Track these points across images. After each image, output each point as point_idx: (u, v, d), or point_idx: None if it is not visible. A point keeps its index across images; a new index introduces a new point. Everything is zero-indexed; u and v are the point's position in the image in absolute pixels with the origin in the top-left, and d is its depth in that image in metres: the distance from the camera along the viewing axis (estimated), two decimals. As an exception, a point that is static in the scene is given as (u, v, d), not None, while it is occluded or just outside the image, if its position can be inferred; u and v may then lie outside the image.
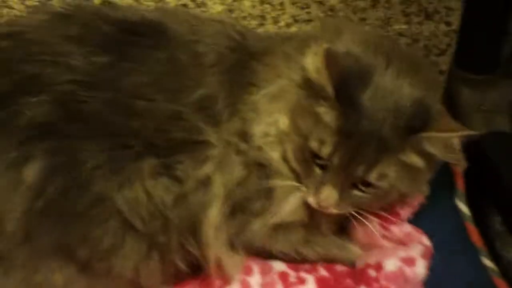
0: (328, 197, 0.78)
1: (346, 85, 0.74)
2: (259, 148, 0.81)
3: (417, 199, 0.90)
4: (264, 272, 0.88)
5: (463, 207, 0.94)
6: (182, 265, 0.83)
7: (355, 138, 0.74)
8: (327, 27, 0.87)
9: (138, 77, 0.78)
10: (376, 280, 0.85)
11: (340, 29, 0.83)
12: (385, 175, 0.76)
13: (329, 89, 0.74)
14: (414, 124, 0.74)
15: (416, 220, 0.90)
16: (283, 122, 0.80)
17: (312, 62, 0.76)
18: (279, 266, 0.89)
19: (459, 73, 1.11)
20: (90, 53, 0.78)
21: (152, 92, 0.78)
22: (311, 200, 0.80)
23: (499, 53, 1.11)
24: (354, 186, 0.78)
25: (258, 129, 0.81)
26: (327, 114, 0.76)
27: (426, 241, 0.88)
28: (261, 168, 0.81)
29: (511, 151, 1.04)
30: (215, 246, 0.82)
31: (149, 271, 0.80)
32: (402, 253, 0.86)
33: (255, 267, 0.88)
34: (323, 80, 0.74)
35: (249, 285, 0.87)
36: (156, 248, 0.80)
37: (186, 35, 0.83)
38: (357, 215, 0.82)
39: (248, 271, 0.88)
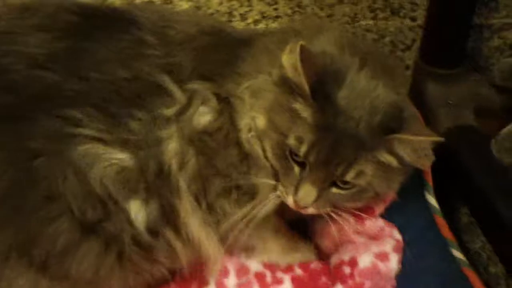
0: (306, 196, 0.77)
1: (322, 83, 0.75)
2: (247, 141, 0.81)
3: (390, 195, 0.91)
4: (241, 273, 0.89)
5: (432, 201, 0.96)
6: (143, 264, 0.81)
7: (332, 136, 0.75)
8: (308, 25, 0.87)
9: (99, 55, 0.78)
10: (351, 277, 0.86)
11: (321, 28, 0.84)
12: (363, 172, 0.77)
13: (305, 87, 0.74)
14: (389, 125, 0.76)
15: (388, 215, 0.91)
16: (260, 120, 0.80)
17: (288, 59, 0.75)
18: (255, 266, 0.90)
19: (425, 68, 1.12)
20: (52, 39, 0.77)
21: (112, 66, 0.78)
22: (290, 200, 0.79)
23: (464, 47, 1.13)
24: (333, 184, 0.78)
25: (243, 123, 0.81)
26: (304, 111, 0.76)
27: (397, 235, 0.90)
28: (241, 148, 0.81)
29: (477, 144, 1.06)
30: (185, 199, 0.80)
31: (108, 271, 0.78)
32: (375, 248, 0.87)
33: (231, 268, 0.89)
34: (299, 77, 0.74)
35: (224, 286, 0.88)
36: (111, 245, 0.78)
37: (155, 22, 0.83)
38: (333, 215, 0.82)
39: (224, 273, 0.88)
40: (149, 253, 0.81)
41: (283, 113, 0.78)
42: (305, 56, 0.73)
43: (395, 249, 0.88)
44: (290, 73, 0.75)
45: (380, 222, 0.90)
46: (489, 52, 1.18)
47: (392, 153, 0.77)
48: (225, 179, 0.81)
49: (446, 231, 0.92)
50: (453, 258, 0.89)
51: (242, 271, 0.89)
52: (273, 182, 0.81)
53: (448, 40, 1.12)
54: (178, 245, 0.81)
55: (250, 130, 0.81)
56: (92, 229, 0.76)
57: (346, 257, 0.88)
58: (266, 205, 0.82)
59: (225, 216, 0.82)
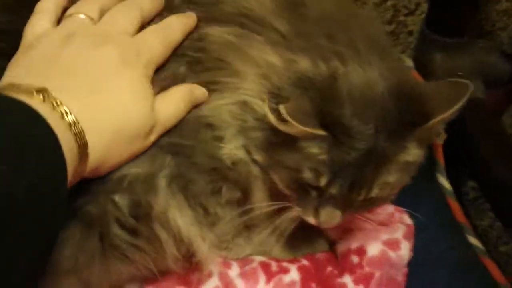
0: (330, 219, 0.72)
1: (323, 113, 0.66)
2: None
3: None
4: (244, 264, 0.84)
5: (444, 182, 0.91)
6: (127, 251, 0.73)
7: (353, 163, 0.67)
8: None
9: None
10: (360, 266, 0.81)
11: None
12: (387, 183, 0.71)
13: (311, 131, 0.66)
14: (408, 119, 0.68)
15: (397, 199, 0.85)
16: (258, 157, 0.73)
17: (271, 116, 0.67)
18: (259, 258, 0.84)
19: (431, 36, 1.05)
20: None
21: None
22: (311, 220, 0.73)
23: (473, 14, 1.06)
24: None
25: (223, 153, 0.73)
26: (314, 147, 0.68)
27: (408, 220, 0.85)
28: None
29: (483, 116, 1.02)
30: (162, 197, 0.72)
31: (88, 257, 0.71)
32: (385, 235, 0.83)
33: (233, 260, 0.83)
34: (300, 129, 0.65)
35: (228, 276, 0.82)
36: (93, 227, 0.70)
37: None
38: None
39: (226, 264, 0.83)
40: (133, 238, 0.73)
41: (286, 151, 0.70)
42: (293, 111, 0.64)
43: (406, 236, 0.83)
44: (282, 127, 0.66)
45: (390, 208, 0.86)
46: (496, 16, 1.12)
47: (420, 142, 0.70)
48: (210, 179, 0.74)
49: (460, 215, 0.88)
50: (469, 245, 0.85)
51: (245, 261, 0.84)
52: (284, 204, 0.75)
53: (456, 6, 1.04)
54: (163, 235, 0.73)
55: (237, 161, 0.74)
56: (73, 214, 0.69)
57: (353, 246, 0.83)
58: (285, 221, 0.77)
59: (219, 219, 0.77)
